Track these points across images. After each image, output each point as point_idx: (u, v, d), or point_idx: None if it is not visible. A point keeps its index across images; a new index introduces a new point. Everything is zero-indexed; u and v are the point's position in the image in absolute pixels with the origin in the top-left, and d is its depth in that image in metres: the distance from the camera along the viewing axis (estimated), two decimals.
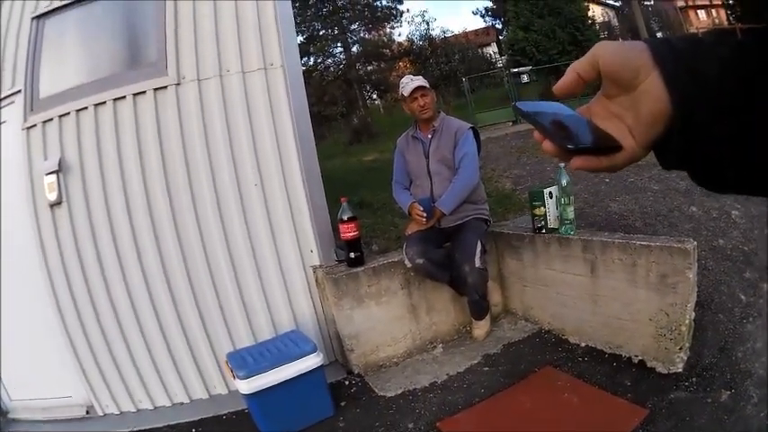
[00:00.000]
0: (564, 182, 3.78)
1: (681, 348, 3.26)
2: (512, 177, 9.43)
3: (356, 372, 4.02)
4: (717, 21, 41.37)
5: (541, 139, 0.61)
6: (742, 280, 4.39)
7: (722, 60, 0.48)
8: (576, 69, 0.60)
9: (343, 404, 3.69)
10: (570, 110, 0.66)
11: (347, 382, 3.95)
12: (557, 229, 4.01)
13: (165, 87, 3.91)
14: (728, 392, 2.99)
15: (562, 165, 3.95)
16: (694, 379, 3.17)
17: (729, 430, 2.72)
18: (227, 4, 4.02)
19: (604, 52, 0.57)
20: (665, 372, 3.29)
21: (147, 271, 3.90)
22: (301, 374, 3.35)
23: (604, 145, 0.58)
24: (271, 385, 3.26)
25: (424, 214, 4.03)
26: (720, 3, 37.68)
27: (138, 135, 3.89)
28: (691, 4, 46.58)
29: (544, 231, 4.06)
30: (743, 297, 4.10)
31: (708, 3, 44.18)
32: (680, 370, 3.25)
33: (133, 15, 4.16)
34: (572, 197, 3.91)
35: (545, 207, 4.00)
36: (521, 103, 0.68)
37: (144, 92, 3.90)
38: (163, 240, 3.90)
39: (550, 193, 3.98)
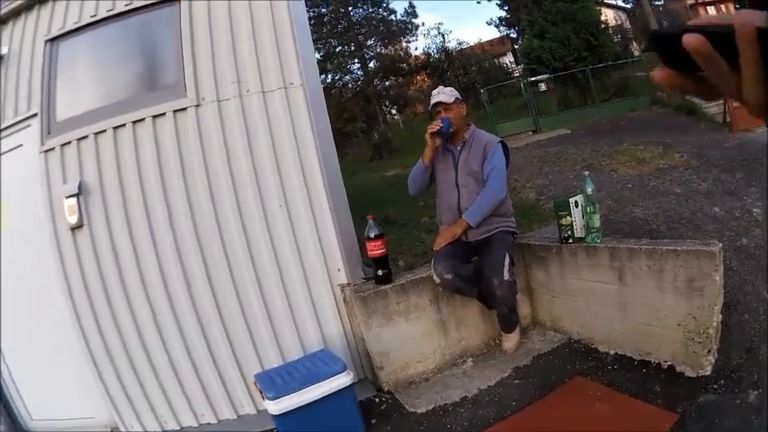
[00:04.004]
0: (589, 190, 3.77)
1: (709, 351, 3.24)
2: (535, 187, 9.46)
3: (386, 389, 4.00)
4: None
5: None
6: (766, 278, 4.36)
7: None
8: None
9: (373, 422, 3.68)
10: None
11: (377, 400, 3.94)
12: (583, 238, 3.98)
13: (185, 109, 3.96)
14: (756, 392, 2.98)
15: (587, 173, 3.94)
16: (722, 381, 3.15)
17: (757, 430, 2.70)
18: (243, 24, 4.07)
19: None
20: (694, 375, 3.27)
21: (172, 292, 3.92)
22: (331, 394, 3.34)
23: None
24: (300, 405, 3.25)
25: (440, 122, 3.99)
26: None
27: (159, 157, 3.93)
28: (700, 1, 46.48)
29: (571, 241, 4.03)
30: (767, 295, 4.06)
31: None
32: (708, 373, 3.24)
33: (148, 37, 4.23)
34: (598, 205, 3.90)
35: (571, 216, 3.98)
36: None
37: (163, 114, 3.95)
38: (187, 261, 3.92)
39: (576, 201, 3.95)
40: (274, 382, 3.38)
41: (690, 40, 0.51)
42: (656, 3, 44.62)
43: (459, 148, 4.18)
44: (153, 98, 4.03)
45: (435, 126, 3.97)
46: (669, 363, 3.44)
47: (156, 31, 4.18)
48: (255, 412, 4.04)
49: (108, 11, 4.12)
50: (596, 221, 3.86)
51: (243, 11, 4.10)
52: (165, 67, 4.14)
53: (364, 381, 4.20)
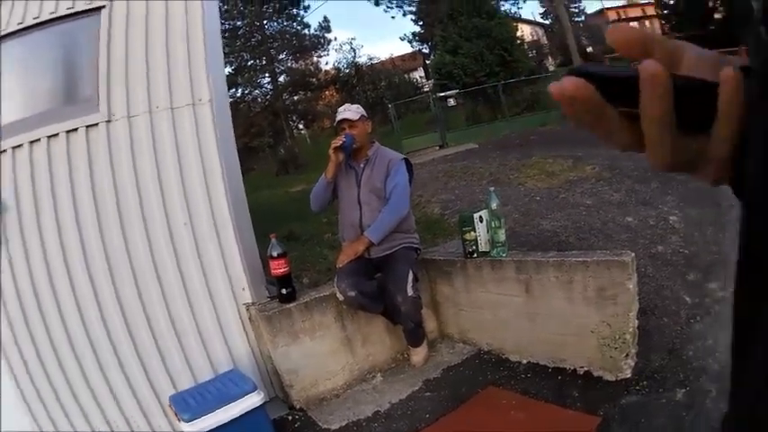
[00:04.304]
0: (494, 205, 3.86)
1: (627, 355, 3.34)
2: (440, 202, 9.64)
3: (298, 407, 3.98)
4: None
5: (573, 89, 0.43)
6: (685, 282, 4.56)
7: None
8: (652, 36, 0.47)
9: None
10: None
11: (290, 418, 3.93)
12: (488, 252, 4.06)
13: (97, 125, 3.84)
14: (683, 390, 3.09)
15: (492, 189, 4.02)
16: (645, 382, 3.26)
17: (690, 426, 2.80)
18: (158, 38, 4.00)
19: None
20: (614, 379, 3.37)
21: (85, 313, 3.76)
22: (244, 414, 3.31)
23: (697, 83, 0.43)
24: (215, 427, 3.22)
25: (343, 138, 4.04)
26: (655, 14, 39.01)
27: (71, 174, 3.79)
28: (623, 17, 48.10)
29: (476, 255, 4.10)
30: (687, 299, 4.26)
31: (641, 14, 45.72)
32: (629, 376, 3.33)
33: (72, 47, 4.10)
34: (503, 219, 3.99)
35: (475, 231, 4.05)
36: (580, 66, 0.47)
37: (76, 129, 3.82)
38: (97, 281, 3.78)
39: (480, 217, 4.02)
40: (188, 404, 3.34)
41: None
42: (577, 19, 46.18)
43: (362, 165, 4.23)
44: (68, 112, 3.90)
45: (338, 141, 4.02)
46: (585, 368, 3.54)
47: (79, 41, 4.06)
48: None
49: (34, 18, 3.96)
50: (501, 236, 3.95)
51: (160, 23, 4.03)
52: (84, 79, 4.02)
53: (276, 399, 4.17)
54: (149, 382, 3.89)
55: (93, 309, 3.78)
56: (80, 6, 3.95)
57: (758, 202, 0.40)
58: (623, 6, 48.51)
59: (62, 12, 3.97)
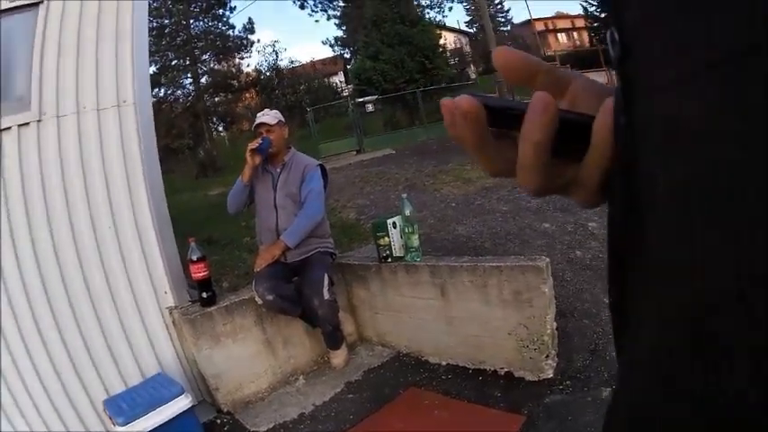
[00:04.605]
0: (407, 211, 3.97)
1: (547, 356, 3.43)
2: (356, 207, 9.64)
3: (225, 410, 4.02)
4: (578, 43, 43.34)
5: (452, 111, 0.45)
6: (605, 286, 4.67)
7: None
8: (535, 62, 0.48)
9: None
10: None
11: (218, 421, 3.96)
12: (402, 257, 4.18)
13: (28, 124, 3.77)
14: (609, 389, 3.16)
15: (405, 195, 4.14)
16: (568, 382, 3.35)
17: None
18: (89, 37, 3.95)
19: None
20: (536, 379, 3.46)
21: (19, 317, 3.68)
22: (174, 417, 3.34)
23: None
24: (148, 430, 3.25)
25: (260, 141, 4.11)
26: (583, 26, 39.65)
27: (2, 175, 3.71)
28: (551, 28, 48.70)
29: (390, 260, 4.22)
30: (608, 301, 4.38)
31: (570, 26, 46.40)
32: (551, 376, 3.42)
33: (10, 43, 3.97)
34: (416, 225, 4.11)
35: (389, 237, 4.17)
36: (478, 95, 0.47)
37: (9, 128, 3.74)
38: (29, 283, 3.71)
39: (394, 223, 4.14)
40: (121, 408, 3.35)
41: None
42: (502, 28, 46.66)
43: (278, 169, 4.32)
44: (3, 109, 3.81)
45: (255, 143, 4.09)
46: (506, 369, 3.63)
47: (15, 37, 3.95)
48: None
49: None
50: (415, 241, 4.07)
51: (92, 21, 3.98)
52: (20, 76, 3.92)
53: (204, 403, 4.18)
54: (83, 386, 3.85)
55: (26, 314, 3.71)
56: (19, 1, 3.87)
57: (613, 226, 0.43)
58: (551, 18, 49.23)
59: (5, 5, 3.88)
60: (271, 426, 3.74)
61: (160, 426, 3.28)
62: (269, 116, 4.29)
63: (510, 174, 0.49)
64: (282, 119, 4.40)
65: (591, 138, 0.43)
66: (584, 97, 0.48)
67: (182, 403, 3.40)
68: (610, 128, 0.42)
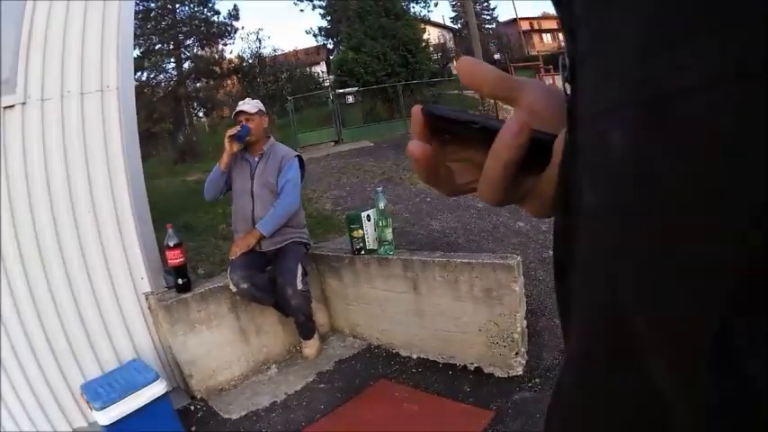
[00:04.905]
0: (381, 205, 4.03)
1: (517, 354, 3.50)
2: (332, 198, 9.69)
3: (199, 397, 4.07)
4: (563, 44, 43.63)
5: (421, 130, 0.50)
6: None
7: None
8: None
9: (193, 429, 3.75)
10: None
11: (192, 408, 4.00)
12: (376, 250, 4.24)
13: (13, 106, 3.77)
14: None
15: (379, 189, 4.19)
16: (537, 380, 3.42)
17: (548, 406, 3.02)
18: (76, 21, 3.94)
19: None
20: (505, 376, 3.53)
21: None
22: (149, 402, 3.38)
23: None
24: (125, 415, 3.28)
25: (239, 128, 4.17)
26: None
27: None
28: (536, 28, 48.70)
29: (363, 253, 4.28)
30: None
31: (556, 27, 46.43)
32: (520, 373, 3.49)
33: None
34: (390, 219, 4.17)
35: (363, 230, 4.23)
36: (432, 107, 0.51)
37: None
38: (8, 268, 3.72)
39: (368, 216, 4.21)
40: (98, 393, 3.37)
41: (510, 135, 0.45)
42: (487, 26, 46.62)
43: (256, 159, 4.36)
44: None
45: (234, 130, 4.14)
46: (476, 365, 3.69)
47: (5, 19, 3.92)
48: (87, 425, 3.94)
49: None
50: (388, 235, 4.14)
51: (79, 6, 3.97)
52: (7, 59, 3.91)
53: (178, 390, 4.22)
54: (60, 370, 3.87)
55: (6, 296, 3.72)
56: None
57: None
58: (537, 18, 49.25)
59: None
60: (243, 413, 3.79)
61: (135, 410, 3.32)
62: (249, 105, 4.33)
63: (469, 191, 0.54)
64: (263, 108, 4.44)
65: (551, 154, 0.46)
66: (543, 105, 0.51)
67: (156, 389, 3.43)
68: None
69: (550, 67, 25.19)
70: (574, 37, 0.38)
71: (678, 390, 0.27)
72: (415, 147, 0.49)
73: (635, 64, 0.29)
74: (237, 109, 4.33)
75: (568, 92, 0.41)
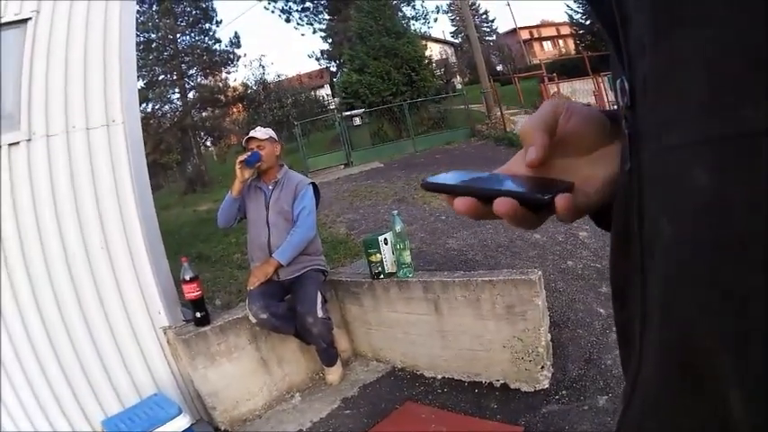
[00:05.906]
0: (398, 227, 3.98)
1: (543, 367, 3.45)
2: (346, 222, 9.60)
3: (223, 428, 4.00)
4: (564, 50, 43.51)
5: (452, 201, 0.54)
6: (598, 295, 4.66)
7: None
8: (544, 129, 0.54)
9: None
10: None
11: None
12: (395, 273, 4.18)
13: (18, 143, 3.77)
14: (605, 397, 3.20)
15: (395, 212, 4.15)
16: (564, 392, 3.36)
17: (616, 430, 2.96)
18: (77, 57, 3.95)
19: (573, 107, 0.55)
20: (532, 390, 3.47)
21: (15, 340, 3.66)
22: None
23: (549, 186, 0.51)
24: None
25: (249, 154, 4.13)
26: (569, 33, 39.74)
27: None
28: (536, 36, 48.90)
29: (382, 277, 4.22)
30: (602, 311, 4.37)
31: (555, 34, 46.66)
32: (546, 386, 3.44)
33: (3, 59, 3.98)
34: (407, 241, 4.12)
35: (381, 254, 4.17)
36: (430, 179, 0.61)
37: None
38: (23, 302, 3.68)
39: (385, 239, 4.15)
40: (119, 429, 3.33)
41: (500, 207, 0.50)
42: (488, 38, 46.82)
43: (270, 187, 4.32)
44: None
45: (244, 156, 4.10)
46: (502, 381, 3.64)
47: (7, 54, 3.94)
48: None
49: None
50: (407, 257, 4.08)
51: (80, 39, 3.99)
52: (10, 94, 3.91)
53: (201, 421, 4.16)
54: (80, 406, 3.82)
55: (22, 337, 3.69)
56: (7, 17, 3.87)
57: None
58: (536, 26, 49.47)
59: None
60: None
61: None
62: (260, 131, 4.31)
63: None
64: (274, 136, 4.41)
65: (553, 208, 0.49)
66: (575, 125, 0.55)
67: (180, 423, 3.39)
68: (569, 208, 0.49)
69: (554, 74, 25.20)
70: (634, 64, 0.39)
71: (756, 418, 0.29)
72: (458, 205, 0.53)
73: (713, 98, 0.30)
74: (248, 136, 4.30)
75: (629, 118, 0.41)
